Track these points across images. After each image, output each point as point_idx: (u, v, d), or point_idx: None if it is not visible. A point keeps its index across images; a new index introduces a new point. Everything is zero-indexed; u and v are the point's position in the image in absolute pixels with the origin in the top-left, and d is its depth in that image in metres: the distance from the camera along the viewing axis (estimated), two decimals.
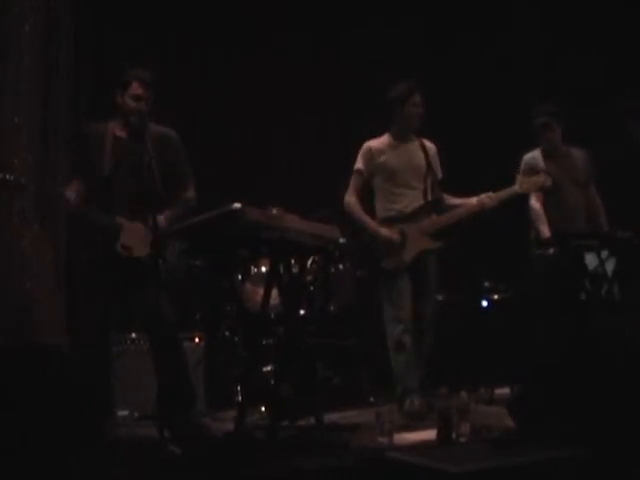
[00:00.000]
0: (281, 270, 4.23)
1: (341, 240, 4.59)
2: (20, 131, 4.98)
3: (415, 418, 4.39)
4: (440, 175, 4.92)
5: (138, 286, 3.94)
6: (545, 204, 5.16)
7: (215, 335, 5.42)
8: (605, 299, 4.57)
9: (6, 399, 2.97)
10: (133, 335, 5.08)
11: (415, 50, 6.80)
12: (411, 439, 3.91)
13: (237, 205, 3.57)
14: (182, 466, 3.53)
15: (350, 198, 4.84)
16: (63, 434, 3.02)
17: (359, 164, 4.86)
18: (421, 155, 4.85)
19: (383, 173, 4.81)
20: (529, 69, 6.59)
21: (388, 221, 4.78)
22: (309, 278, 5.32)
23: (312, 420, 4.19)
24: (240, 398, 4.71)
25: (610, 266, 4.72)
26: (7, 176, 4.42)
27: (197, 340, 5.26)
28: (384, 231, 4.72)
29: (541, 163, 5.19)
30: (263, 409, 4.75)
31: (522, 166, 5.20)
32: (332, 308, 5.45)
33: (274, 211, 3.75)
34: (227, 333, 5.41)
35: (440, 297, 5.25)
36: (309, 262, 5.26)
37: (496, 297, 5.75)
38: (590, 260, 4.73)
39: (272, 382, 4.63)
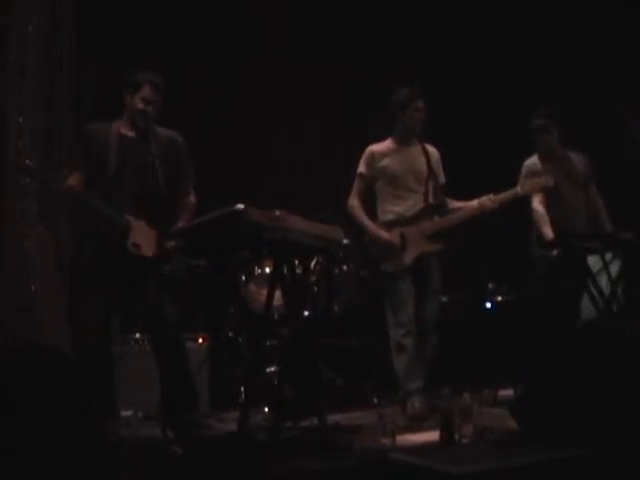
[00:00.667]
0: (285, 271, 4.23)
1: (345, 241, 4.59)
2: (24, 131, 5.00)
3: (417, 421, 4.39)
4: (443, 180, 4.92)
5: (141, 285, 3.95)
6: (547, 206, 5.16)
7: (219, 336, 5.42)
8: (608, 300, 4.56)
9: (6, 399, 2.97)
10: (137, 335, 5.09)
11: (418, 51, 6.81)
12: (414, 440, 3.91)
13: (240, 206, 3.57)
14: (185, 466, 3.54)
15: (352, 201, 4.89)
16: (63, 434, 3.02)
17: (361, 168, 4.89)
18: (423, 160, 4.86)
19: (385, 177, 4.83)
20: (529, 69, 6.58)
21: (389, 224, 4.79)
22: (313, 279, 5.31)
23: (315, 421, 4.17)
24: (243, 399, 4.70)
25: (614, 268, 4.72)
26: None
27: (201, 341, 5.26)
28: (384, 234, 4.74)
29: (540, 166, 5.18)
30: (266, 410, 4.75)
31: (523, 171, 5.19)
32: (336, 309, 5.44)
33: (277, 212, 3.74)
34: (231, 334, 5.42)
35: (443, 299, 5.25)
36: (313, 263, 5.27)
37: (499, 299, 5.75)
38: (593, 263, 4.72)
39: (275, 383, 4.64)
